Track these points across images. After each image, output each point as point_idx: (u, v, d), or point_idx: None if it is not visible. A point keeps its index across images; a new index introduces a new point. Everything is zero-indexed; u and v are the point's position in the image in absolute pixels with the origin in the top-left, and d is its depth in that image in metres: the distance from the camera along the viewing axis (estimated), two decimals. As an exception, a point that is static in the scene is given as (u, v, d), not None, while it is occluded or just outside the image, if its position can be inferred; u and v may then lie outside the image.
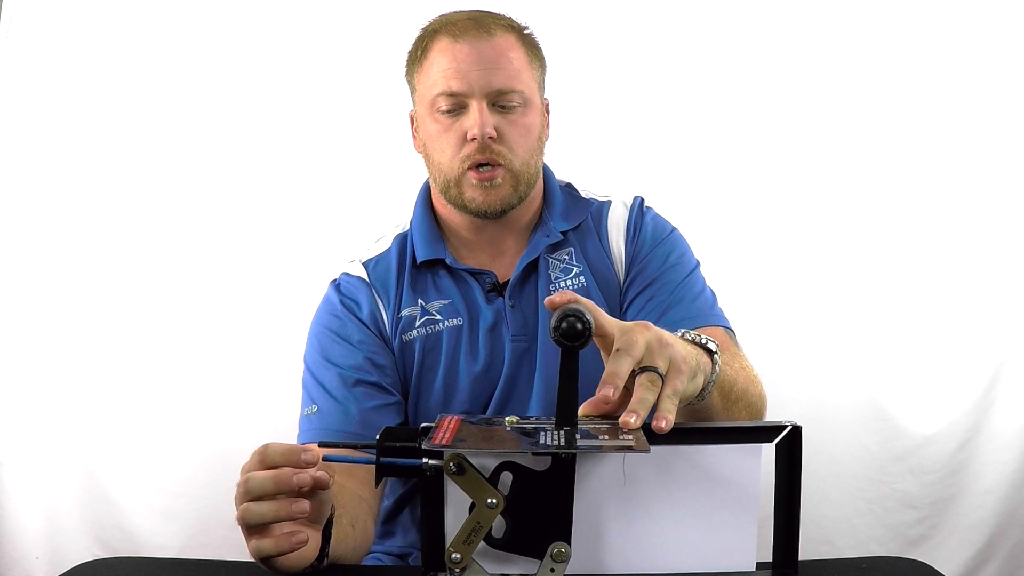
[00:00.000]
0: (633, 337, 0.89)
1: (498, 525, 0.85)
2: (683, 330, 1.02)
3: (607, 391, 0.86)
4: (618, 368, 0.87)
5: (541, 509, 0.85)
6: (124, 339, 2.11)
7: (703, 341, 1.00)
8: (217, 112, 2.11)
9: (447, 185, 1.34)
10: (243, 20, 2.11)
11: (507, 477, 0.85)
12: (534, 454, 0.84)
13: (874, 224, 2.14)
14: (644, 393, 0.87)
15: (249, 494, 0.90)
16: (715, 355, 1.00)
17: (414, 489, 1.40)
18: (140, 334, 2.11)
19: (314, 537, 0.96)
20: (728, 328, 1.33)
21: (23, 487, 2.08)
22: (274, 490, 0.89)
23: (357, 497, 1.17)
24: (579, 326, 0.83)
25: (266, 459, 0.91)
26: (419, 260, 1.38)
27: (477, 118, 1.29)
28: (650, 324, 0.92)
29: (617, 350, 0.88)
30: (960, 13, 2.11)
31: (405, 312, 1.36)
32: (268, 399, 2.02)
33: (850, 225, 2.14)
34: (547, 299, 0.89)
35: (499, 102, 1.31)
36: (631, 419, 0.85)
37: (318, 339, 1.37)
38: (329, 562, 1.01)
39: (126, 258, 2.11)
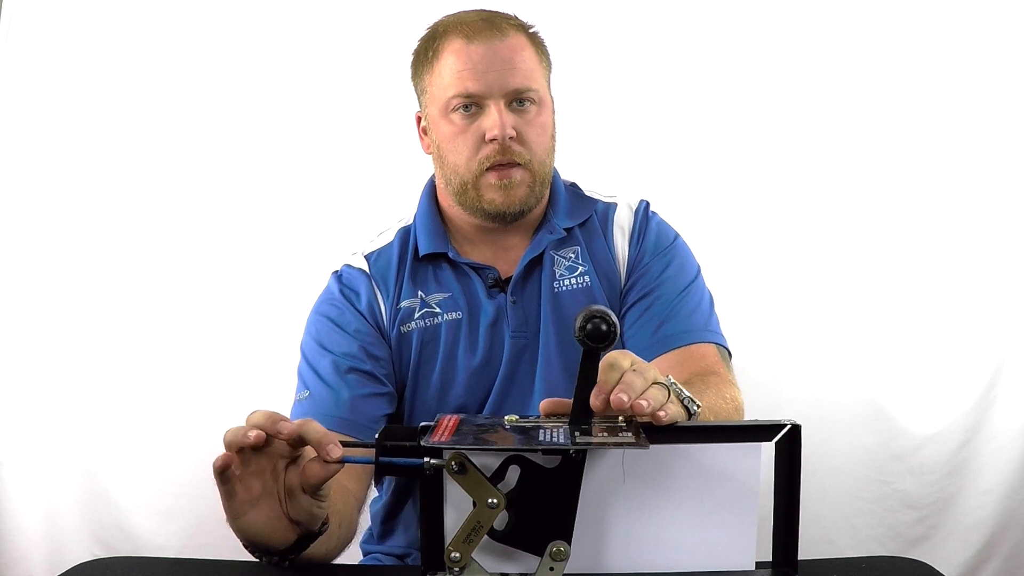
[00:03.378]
0: (644, 366, 0.92)
1: (500, 517, 0.85)
2: (672, 380, 0.99)
3: (619, 397, 0.87)
4: (633, 380, 0.88)
5: (545, 506, 0.85)
6: (124, 339, 2.10)
7: (684, 398, 0.98)
8: (217, 110, 2.11)
9: (464, 188, 1.33)
10: (244, 18, 2.11)
11: (512, 472, 0.85)
12: (544, 452, 0.84)
13: (874, 225, 2.15)
14: (654, 392, 0.89)
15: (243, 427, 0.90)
16: (693, 416, 0.99)
17: (411, 488, 1.40)
18: (140, 334, 2.11)
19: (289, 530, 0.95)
20: (722, 345, 1.33)
21: (23, 487, 2.07)
22: (266, 422, 0.90)
23: (346, 491, 1.17)
24: (604, 327, 0.83)
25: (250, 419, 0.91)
26: (422, 253, 1.38)
27: (497, 119, 1.29)
28: (653, 366, 0.95)
29: (634, 370, 0.90)
30: (960, 13, 2.11)
31: (404, 303, 1.36)
32: (269, 399, 2.01)
33: (851, 226, 2.15)
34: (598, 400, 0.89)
35: (517, 97, 1.31)
36: (644, 403, 0.86)
37: (315, 326, 1.37)
38: (309, 559, 1.00)
39: (126, 258, 2.11)
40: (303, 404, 1.31)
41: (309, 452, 0.92)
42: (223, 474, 0.90)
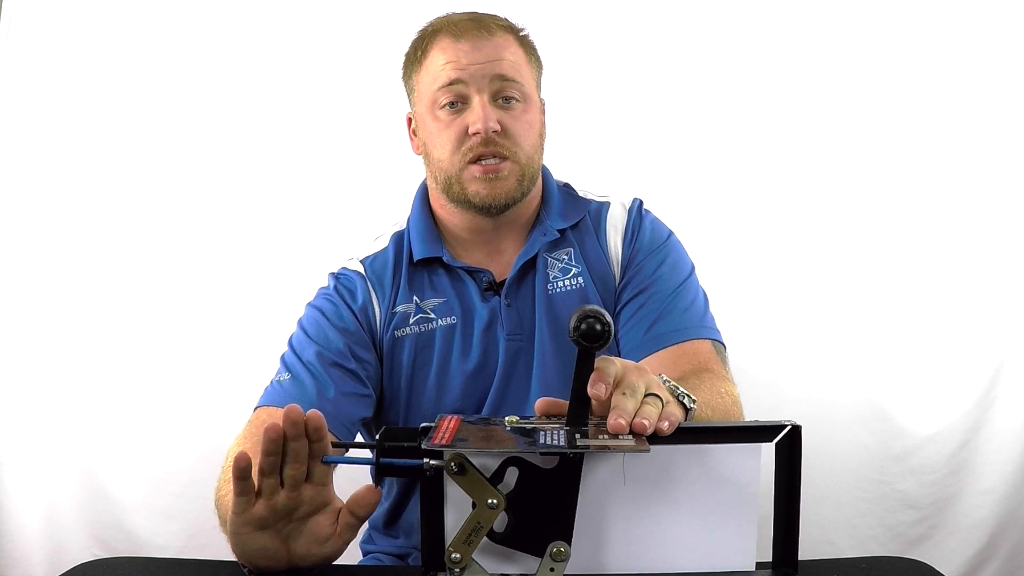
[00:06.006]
0: (633, 380, 0.90)
1: (500, 519, 0.85)
2: (665, 378, 1.00)
3: (618, 422, 0.86)
4: (624, 404, 0.88)
5: (544, 507, 0.85)
6: (124, 339, 2.11)
7: (679, 394, 0.99)
8: (216, 113, 2.11)
9: (448, 182, 1.33)
10: (243, 21, 2.11)
11: (511, 473, 0.85)
12: (542, 453, 0.85)
13: (874, 224, 2.14)
14: (649, 408, 0.88)
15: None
16: (689, 411, 1.00)
17: (413, 489, 1.40)
18: (140, 334, 2.11)
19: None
20: (717, 340, 1.32)
21: (23, 487, 2.07)
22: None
23: None
24: (598, 327, 0.83)
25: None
26: (416, 258, 1.38)
27: (480, 113, 1.29)
28: (645, 368, 0.94)
29: (623, 393, 0.89)
30: (960, 13, 2.11)
31: (400, 308, 1.36)
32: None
33: (850, 225, 2.14)
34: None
35: (502, 94, 1.31)
36: (646, 422, 0.86)
37: (307, 318, 1.37)
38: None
39: (126, 259, 2.11)
40: (283, 385, 1.30)
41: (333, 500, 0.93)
42: (242, 470, 0.89)
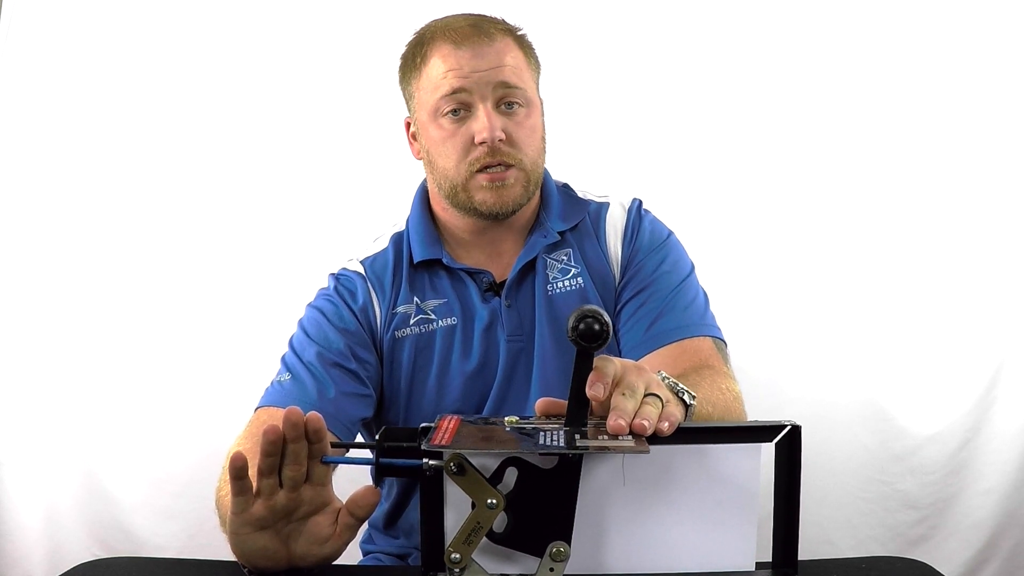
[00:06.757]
0: (632, 380, 0.90)
1: (499, 520, 0.85)
2: (664, 375, 1.00)
3: (618, 423, 0.86)
4: (624, 404, 0.88)
5: (544, 507, 0.85)
6: (124, 339, 2.11)
7: (678, 390, 0.99)
8: (216, 113, 2.11)
9: (454, 191, 1.33)
10: (243, 21, 2.11)
11: (510, 474, 0.85)
12: (541, 455, 0.85)
13: (874, 225, 2.15)
14: (648, 408, 0.88)
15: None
16: (689, 407, 1.00)
17: (412, 489, 1.40)
18: (140, 334, 2.11)
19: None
20: (718, 338, 1.32)
21: (23, 487, 2.08)
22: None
23: None
24: (597, 327, 0.83)
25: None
26: (416, 260, 1.38)
27: (486, 122, 1.28)
28: (644, 367, 0.94)
29: (622, 394, 0.89)
30: (960, 13, 2.11)
31: (400, 308, 1.36)
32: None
33: (850, 226, 2.15)
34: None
35: (505, 100, 1.31)
36: (645, 423, 0.86)
37: (307, 318, 1.37)
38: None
39: (126, 259, 2.11)
40: (283, 386, 1.29)
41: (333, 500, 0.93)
42: (238, 470, 0.89)
